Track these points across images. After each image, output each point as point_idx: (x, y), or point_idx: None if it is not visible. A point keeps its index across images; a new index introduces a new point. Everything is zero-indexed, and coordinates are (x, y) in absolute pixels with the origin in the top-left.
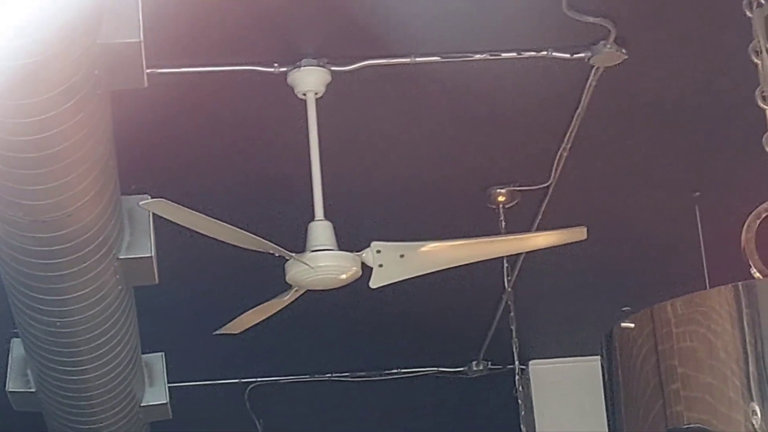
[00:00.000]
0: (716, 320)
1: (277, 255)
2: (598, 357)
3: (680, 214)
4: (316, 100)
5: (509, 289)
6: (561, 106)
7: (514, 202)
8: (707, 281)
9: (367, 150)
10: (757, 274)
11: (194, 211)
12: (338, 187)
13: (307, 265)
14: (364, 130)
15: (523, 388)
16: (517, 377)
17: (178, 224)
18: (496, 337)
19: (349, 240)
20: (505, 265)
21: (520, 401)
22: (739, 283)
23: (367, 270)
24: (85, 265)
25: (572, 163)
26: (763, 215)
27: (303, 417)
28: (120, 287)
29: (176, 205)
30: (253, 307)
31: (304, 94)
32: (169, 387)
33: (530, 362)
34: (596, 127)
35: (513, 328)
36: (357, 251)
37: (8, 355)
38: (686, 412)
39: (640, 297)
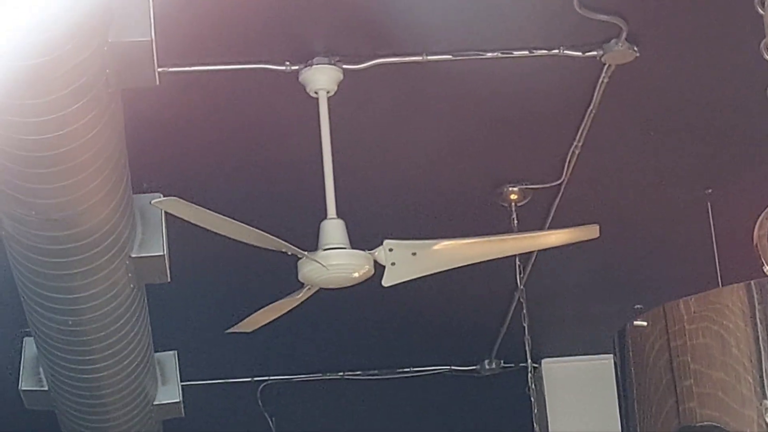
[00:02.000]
0: (729, 317)
1: (289, 253)
2: (611, 355)
3: (692, 212)
4: (328, 98)
5: (521, 287)
6: (573, 104)
7: (526, 200)
8: (719, 278)
9: (379, 148)
10: None
11: (206, 210)
12: (350, 186)
13: (319, 263)
14: (376, 129)
15: (535, 386)
16: (529, 375)
17: (190, 222)
18: (509, 336)
19: (361, 238)
20: (518, 263)
21: (532, 399)
22: (752, 281)
23: (379, 268)
24: (97, 263)
25: (584, 160)
26: None
27: (315, 415)
28: (132, 286)
29: (188, 203)
30: (265, 306)
31: (316, 93)
32: (181, 385)
33: (543, 360)
34: (608, 125)
35: (525, 326)
36: (369, 249)
37: (21, 354)
38: (699, 408)
39: (652, 294)
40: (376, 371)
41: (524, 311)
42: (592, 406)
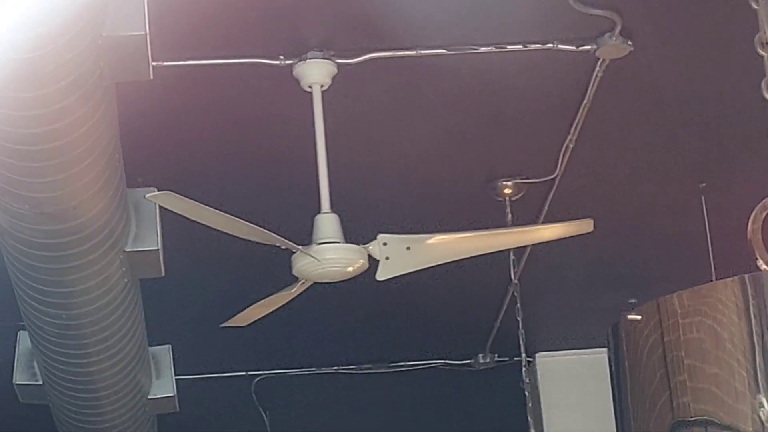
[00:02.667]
0: (723, 311)
1: (283, 247)
2: (605, 349)
3: (686, 206)
4: (322, 92)
5: (516, 282)
6: (567, 98)
7: (520, 195)
8: (713, 273)
9: (373, 142)
10: (764, 266)
11: (201, 204)
12: (344, 180)
13: (313, 257)
14: (370, 123)
15: (529, 380)
16: (523, 369)
17: (184, 217)
18: (503, 330)
19: (355, 232)
20: (512, 257)
21: (526, 393)
22: (746, 275)
23: (373, 262)
24: (91, 257)
25: (578, 155)
26: None
27: (309, 410)
28: (126, 280)
29: (182, 197)
30: (259, 300)
31: (310, 87)
32: (176, 379)
33: (537, 354)
34: (602, 119)
35: (520, 320)
36: (363, 244)
37: (15, 347)
38: (693, 403)
39: (646, 289)
40: (370, 365)
41: (518, 305)
42: (587, 400)
